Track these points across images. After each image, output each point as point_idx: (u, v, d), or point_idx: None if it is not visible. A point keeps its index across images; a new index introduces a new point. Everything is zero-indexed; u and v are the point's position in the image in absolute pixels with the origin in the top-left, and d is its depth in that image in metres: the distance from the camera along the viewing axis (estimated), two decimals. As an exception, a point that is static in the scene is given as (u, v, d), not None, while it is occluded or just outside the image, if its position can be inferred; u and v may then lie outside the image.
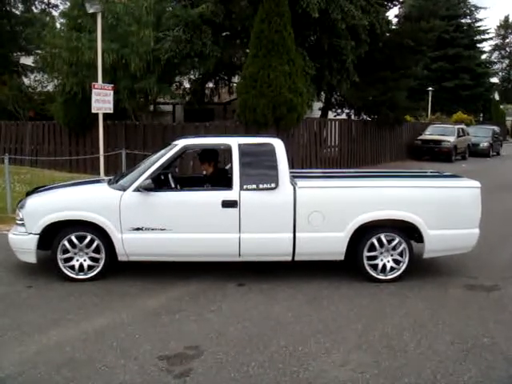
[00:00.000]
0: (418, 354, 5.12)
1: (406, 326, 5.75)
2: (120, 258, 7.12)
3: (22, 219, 7.12)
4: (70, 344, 5.25)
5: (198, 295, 6.67)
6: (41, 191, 7.72)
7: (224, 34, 19.28)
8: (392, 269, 7.17)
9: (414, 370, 4.79)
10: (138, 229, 6.94)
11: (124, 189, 7.01)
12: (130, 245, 6.98)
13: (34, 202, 7.25)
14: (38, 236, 6.98)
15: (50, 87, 23.47)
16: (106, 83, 14.83)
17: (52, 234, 7.03)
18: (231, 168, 7.11)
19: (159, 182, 7.25)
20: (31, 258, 7.10)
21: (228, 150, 7.20)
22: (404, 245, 7.12)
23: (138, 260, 7.24)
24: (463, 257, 7.92)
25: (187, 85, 22.14)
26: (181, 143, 7.36)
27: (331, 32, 18.45)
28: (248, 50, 17.15)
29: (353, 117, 24.77)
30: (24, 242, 7.08)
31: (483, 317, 6.04)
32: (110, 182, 7.49)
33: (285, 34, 15.76)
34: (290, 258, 7.16)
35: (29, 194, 7.74)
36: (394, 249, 7.14)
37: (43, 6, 29.49)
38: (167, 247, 7.02)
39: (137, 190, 6.93)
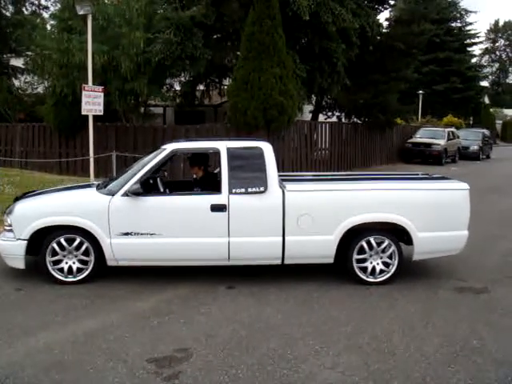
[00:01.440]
0: (407, 356, 5.13)
1: (396, 329, 5.76)
2: (109, 263, 7.09)
3: (10, 225, 7.08)
4: (59, 346, 5.22)
5: (188, 298, 6.65)
6: (29, 196, 7.68)
7: (215, 36, 19.28)
8: (381, 271, 7.18)
9: (403, 372, 4.80)
10: (126, 234, 6.91)
11: (112, 194, 6.98)
12: (119, 250, 6.95)
13: (22, 208, 7.21)
14: (26, 242, 6.95)
15: (41, 89, 23.44)
16: (97, 85, 14.80)
17: (41, 239, 6.99)
18: (220, 172, 7.09)
19: (148, 187, 7.21)
20: (20, 263, 7.06)
21: (217, 154, 7.19)
22: (393, 247, 7.14)
23: (127, 265, 7.20)
24: (453, 259, 7.95)
25: (178, 87, 22.09)
26: (169, 147, 7.33)
27: (322, 35, 18.48)
28: (239, 53, 17.15)
29: (343, 120, 24.80)
30: (12, 247, 7.04)
31: (473, 319, 6.06)
32: (98, 187, 7.46)
33: (276, 37, 15.76)
34: (279, 262, 7.16)
35: (17, 199, 7.69)
36: (383, 251, 7.15)
37: (34, 8, 29.46)
38: (156, 252, 7.00)
39: (125, 194, 6.90)
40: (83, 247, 6.98)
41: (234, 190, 6.91)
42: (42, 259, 6.97)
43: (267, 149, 7.16)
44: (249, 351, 5.19)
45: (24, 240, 6.95)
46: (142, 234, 6.91)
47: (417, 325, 5.88)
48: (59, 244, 6.94)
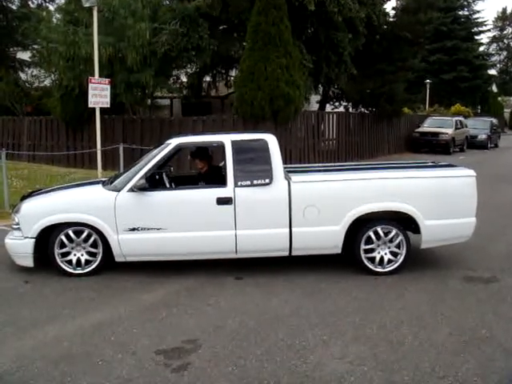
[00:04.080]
0: (416, 346, 5.11)
1: (404, 319, 5.74)
2: (117, 259, 7.09)
3: (17, 223, 7.11)
4: (67, 339, 5.24)
5: (196, 289, 6.66)
6: (36, 195, 7.69)
7: (221, 27, 19.23)
8: (389, 261, 7.15)
9: (411, 362, 4.78)
10: (133, 229, 6.91)
11: (118, 190, 6.99)
12: (127, 245, 6.95)
13: (29, 206, 7.24)
14: (34, 240, 6.97)
15: (47, 82, 23.43)
16: (103, 77, 14.78)
17: (49, 237, 7.01)
18: (225, 165, 7.08)
19: (153, 182, 7.22)
20: (28, 261, 7.08)
21: (221, 147, 7.16)
22: (401, 237, 7.10)
23: (135, 260, 7.20)
24: (461, 248, 7.92)
25: (184, 78, 22.07)
26: (174, 142, 7.31)
27: (328, 25, 18.40)
28: (245, 43, 17.10)
29: (350, 110, 24.73)
30: (20, 246, 7.06)
31: (481, 309, 6.03)
32: (104, 183, 7.46)
33: (282, 27, 15.71)
34: (286, 253, 7.15)
35: (24, 198, 7.71)
36: (391, 241, 7.12)
37: (39, 1, 29.42)
38: (164, 247, 7.00)
39: (131, 190, 6.90)
40: (91, 239, 6.99)
41: (239, 183, 6.89)
42: (50, 252, 6.98)
43: (272, 141, 7.13)
44: (257, 342, 5.19)
45: (32, 238, 6.97)
46: (148, 229, 6.91)
47: (425, 314, 5.86)
48: (67, 236, 6.96)
